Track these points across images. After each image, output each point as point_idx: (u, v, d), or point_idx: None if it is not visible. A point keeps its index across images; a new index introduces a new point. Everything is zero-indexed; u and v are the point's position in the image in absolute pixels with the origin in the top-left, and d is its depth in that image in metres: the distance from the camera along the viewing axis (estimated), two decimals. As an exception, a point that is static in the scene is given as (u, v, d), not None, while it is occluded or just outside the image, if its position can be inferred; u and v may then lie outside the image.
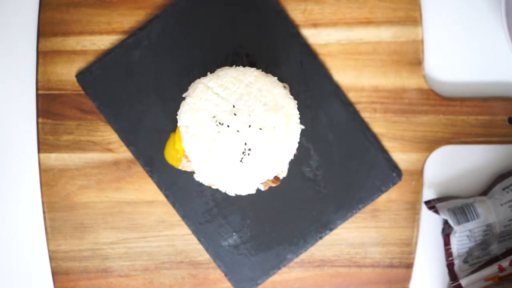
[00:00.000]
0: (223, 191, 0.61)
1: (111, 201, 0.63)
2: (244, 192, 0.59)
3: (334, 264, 0.63)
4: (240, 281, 0.63)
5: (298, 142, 0.60)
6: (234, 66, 0.60)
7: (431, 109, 0.63)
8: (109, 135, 0.63)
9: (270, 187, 0.62)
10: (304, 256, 0.63)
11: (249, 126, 0.54)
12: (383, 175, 0.62)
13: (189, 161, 0.58)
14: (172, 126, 0.62)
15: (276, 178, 0.60)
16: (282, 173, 0.60)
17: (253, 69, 0.59)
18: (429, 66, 0.64)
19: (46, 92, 0.63)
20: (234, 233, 0.63)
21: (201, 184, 0.62)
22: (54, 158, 0.63)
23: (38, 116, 0.63)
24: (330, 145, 0.62)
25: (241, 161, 0.53)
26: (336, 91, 0.62)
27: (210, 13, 0.63)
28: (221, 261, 0.63)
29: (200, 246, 0.63)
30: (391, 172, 0.62)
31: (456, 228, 0.61)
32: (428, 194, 0.64)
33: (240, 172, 0.55)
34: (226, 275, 0.63)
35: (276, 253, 0.63)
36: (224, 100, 0.54)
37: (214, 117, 0.53)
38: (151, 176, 0.63)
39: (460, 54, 0.64)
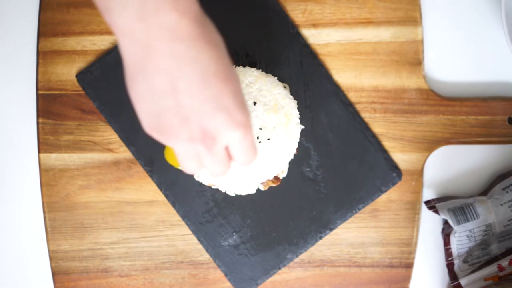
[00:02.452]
0: (223, 191, 0.61)
1: (111, 201, 0.63)
2: (244, 192, 0.59)
3: (334, 264, 0.63)
4: (240, 281, 0.63)
5: (298, 142, 0.60)
6: (234, 66, 0.60)
7: (431, 109, 0.63)
8: (109, 135, 0.63)
9: (270, 187, 0.62)
10: (304, 256, 0.63)
11: (249, 126, 0.54)
12: (383, 175, 0.62)
13: (189, 161, 0.58)
14: (172, 126, 0.62)
15: (276, 178, 0.60)
16: (282, 173, 0.61)
17: (253, 69, 0.59)
18: (429, 66, 0.64)
19: (46, 92, 0.63)
20: (234, 233, 0.63)
21: (201, 184, 0.62)
22: (54, 158, 0.63)
23: (38, 116, 0.63)
24: (330, 145, 0.62)
25: (241, 161, 0.53)
26: (336, 91, 0.63)
27: (210, 13, 0.63)
28: (221, 261, 0.63)
29: (200, 246, 0.63)
30: (391, 172, 0.62)
31: (456, 228, 0.61)
32: (428, 194, 0.64)
33: (240, 172, 0.55)
34: (226, 275, 0.63)
35: (276, 253, 0.63)
36: (224, 100, 0.54)
37: (214, 117, 0.53)
38: (151, 176, 0.63)
39: (460, 54, 0.64)
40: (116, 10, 0.38)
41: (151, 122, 0.41)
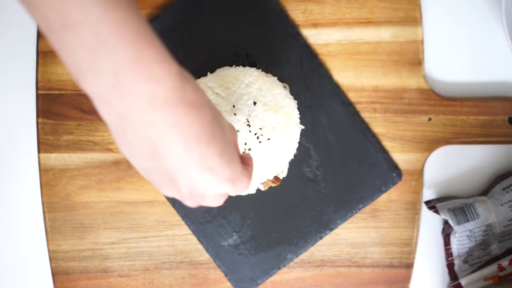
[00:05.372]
0: (223, 191, 0.60)
1: (111, 201, 0.63)
2: (244, 192, 0.59)
3: (334, 264, 0.63)
4: (240, 281, 0.63)
5: (298, 142, 0.60)
6: (234, 66, 0.60)
7: (431, 109, 0.63)
8: (109, 135, 0.63)
9: (270, 187, 0.62)
10: (304, 256, 0.63)
11: (249, 126, 0.54)
12: (383, 175, 0.62)
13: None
14: (172, 126, 0.62)
15: (276, 178, 0.60)
16: (282, 173, 0.60)
17: (253, 69, 0.59)
18: (429, 66, 0.64)
19: (46, 92, 0.63)
20: (234, 233, 0.63)
21: (201, 184, 0.62)
22: (54, 158, 0.63)
23: (38, 116, 0.63)
24: (330, 145, 0.62)
25: (241, 161, 0.53)
26: (336, 91, 0.62)
27: (210, 13, 0.63)
28: (221, 261, 0.63)
29: (200, 246, 0.63)
30: (391, 172, 0.62)
31: (456, 228, 0.61)
32: (428, 194, 0.64)
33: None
34: (226, 275, 0.63)
35: (276, 253, 0.63)
36: (224, 100, 0.54)
37: (214, 117, 0.53)
38: (151, 176, 0.63)
39: (460, 54, 0.64)
40: (88, 77, 0.36)
41: (143, 173, 0.42)
